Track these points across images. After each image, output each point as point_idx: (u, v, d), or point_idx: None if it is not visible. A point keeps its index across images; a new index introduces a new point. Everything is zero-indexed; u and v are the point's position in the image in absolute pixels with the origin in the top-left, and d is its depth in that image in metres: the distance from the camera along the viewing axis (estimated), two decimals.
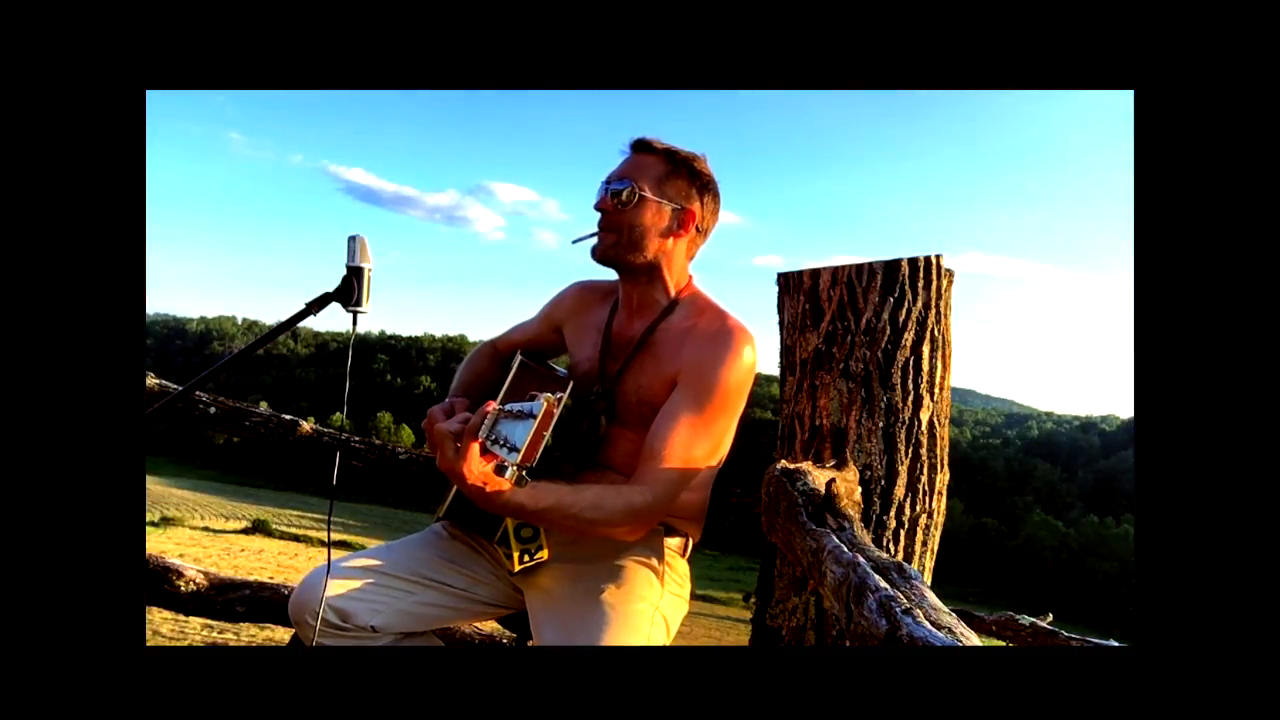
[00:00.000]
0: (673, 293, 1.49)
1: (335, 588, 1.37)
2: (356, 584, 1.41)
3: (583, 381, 1.54)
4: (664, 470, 1.33)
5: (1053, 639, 3.03)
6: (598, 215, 1.47)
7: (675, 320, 1.47)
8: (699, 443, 1.37)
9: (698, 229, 1.49)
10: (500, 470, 1.12)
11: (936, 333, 1.71)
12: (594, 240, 1.47)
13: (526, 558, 1.41)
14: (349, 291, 1.25)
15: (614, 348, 1.51)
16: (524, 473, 1.11)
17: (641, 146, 1.49)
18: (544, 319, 1.68)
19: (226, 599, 2.00)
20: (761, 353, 1.46)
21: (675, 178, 1.46)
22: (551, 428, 1.10)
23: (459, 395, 1.60)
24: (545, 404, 1.07)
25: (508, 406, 1.13)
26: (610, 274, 1.53)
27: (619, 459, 1.46)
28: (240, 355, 1.33)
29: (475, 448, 1.14)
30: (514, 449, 1.10)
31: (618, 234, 1.44)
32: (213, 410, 2.01)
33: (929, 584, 0.93)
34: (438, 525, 1.57)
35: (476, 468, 1.15)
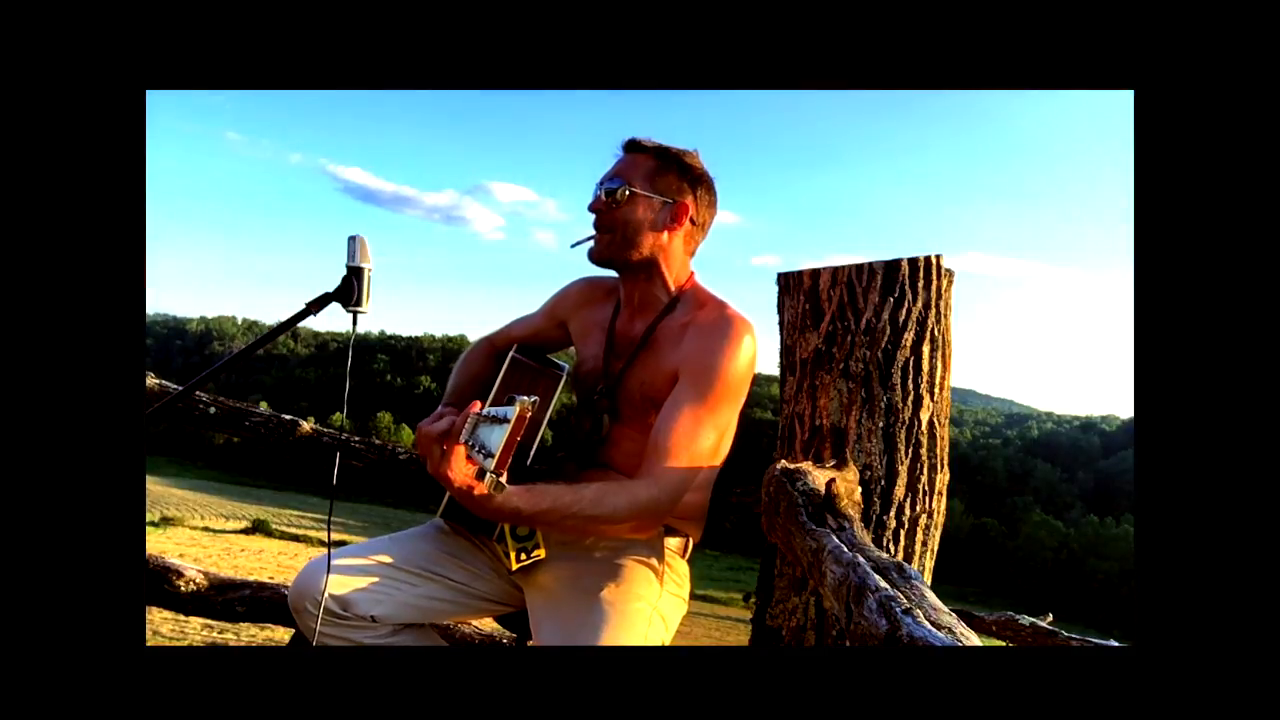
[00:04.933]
0: (673, 289, 1.49)
1: (336, 577, 1.38)
2: (358, 574, 1.41)
3: (587, 380, 1.54)
4: (670, 463, 1.32)
5: (1053, 639, 3.02)
6: (593, 218, 1.47)
7: (676, 316, 1.47)
8: (704, 434, 1.36)
9: (693, 222, 1.49)
10: (480, 475, 1.11)
11: (936, 333, 1.71)
12: (591, 243, 1.47)
13: (523, 555, 1.41)
14: (349, 291, 1.25)
15: (618, 346, 1.52)
16: (500, 479, 1.09)
17: (632, 146, 1.50)
18: (547, 314, 1.67)
19: (226, 599, 2.00)
20: (761, 350, 1.45)
21: (666, 173, 1.46)
22: (527, 430, 1.08)
23: (454, 399, 1.59)
24: (519, 408, 1.05)
25: (487, 411, 1.12)
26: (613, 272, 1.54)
27: (621, 458, 1.46)
28: (240, 355, 1.33)
29: (460, 451, 1.13)
30: (489, 454, 1.09)
31: (612, 232, 1.45)
32: (213, 410, 2.01)
33: (929, 584, 0.93)
34: (439, 520, 1.57)
35: (461, 473, 1.14)
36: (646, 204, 1.44)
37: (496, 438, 1.08)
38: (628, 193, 1.44)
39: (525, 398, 1.07)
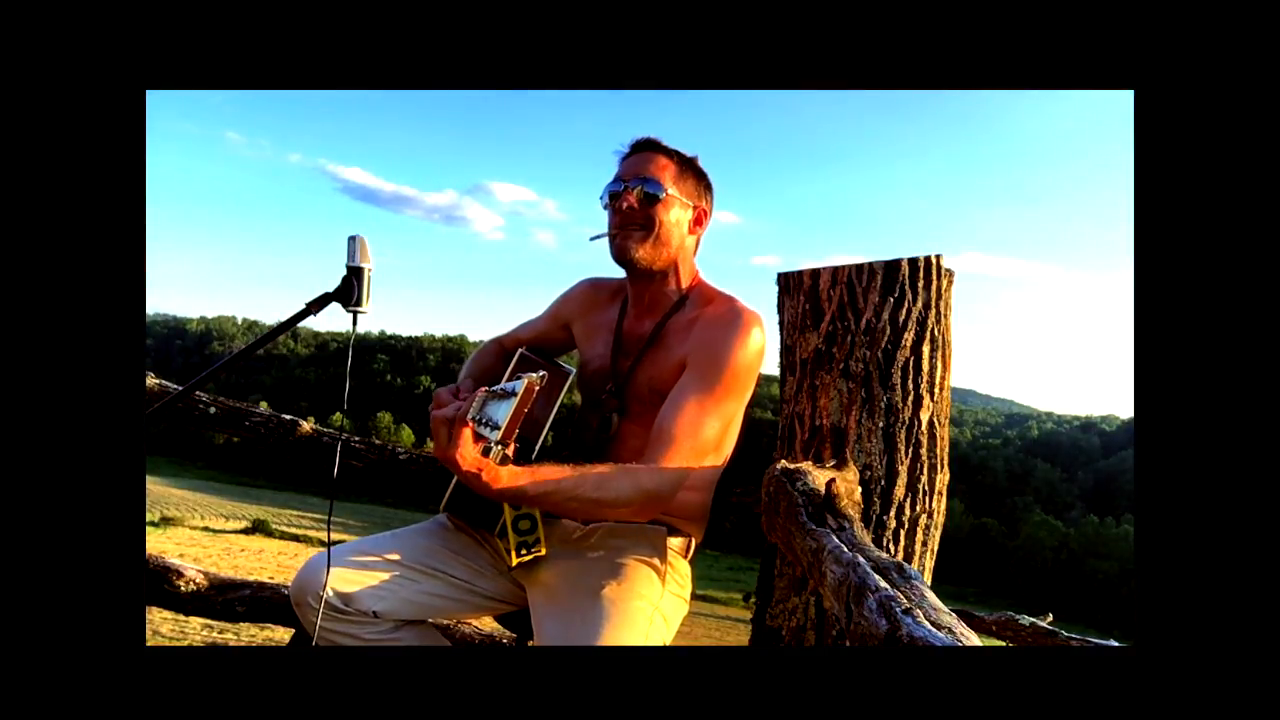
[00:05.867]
0: (683, 288, 1.51)
1: (338, 572, 1.38)
2: (360, 569, 1.42)
3: (595, 379, 1.55)
4: (675, 450, 1.32)
5: (1053, 639, 3.02)
6: (604, 215, 1.49)
7: (685, 312, 1.49)
8: (709, 423, 1.37)
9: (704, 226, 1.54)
10: (486, 451, 1.12)
11: (936, 333, 1.71)
12: (611, 238, 1.47)
13: (524, 550, 1.41)
14: (349, 291, 1.25)
15: (626, 345, 1.53)
16: (505, 450, 1.12)
17: (652, 146, 1.51)
18: (551, 316, 1.69)
19: (226, 599, 2.00)
20: (768, 342, 1.46)
21: (686, 177, 1.50)
22: (532, 427, 1.10)
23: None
24: (526, 382, 1.07)
25: (495, 387, 1.14)
26: (617, 271, 1.54)
27: (630, 455, 1.46)
28: (240, 355, 1.33)
29: (468, 433, 1.14)
30: (495, 427, 1.10)
31: (645, 230, 1.45)
32: (213, 410, 2.01)
33: (929, 584, 0.93)
34: (441, 516, 1.57)
35: (469, 453, 1.15)
36: (679, 206, 1.48)
37: (503, 411, 1.10)
38: (664, 194, 1.46)
39: (533, 374, 1.08)
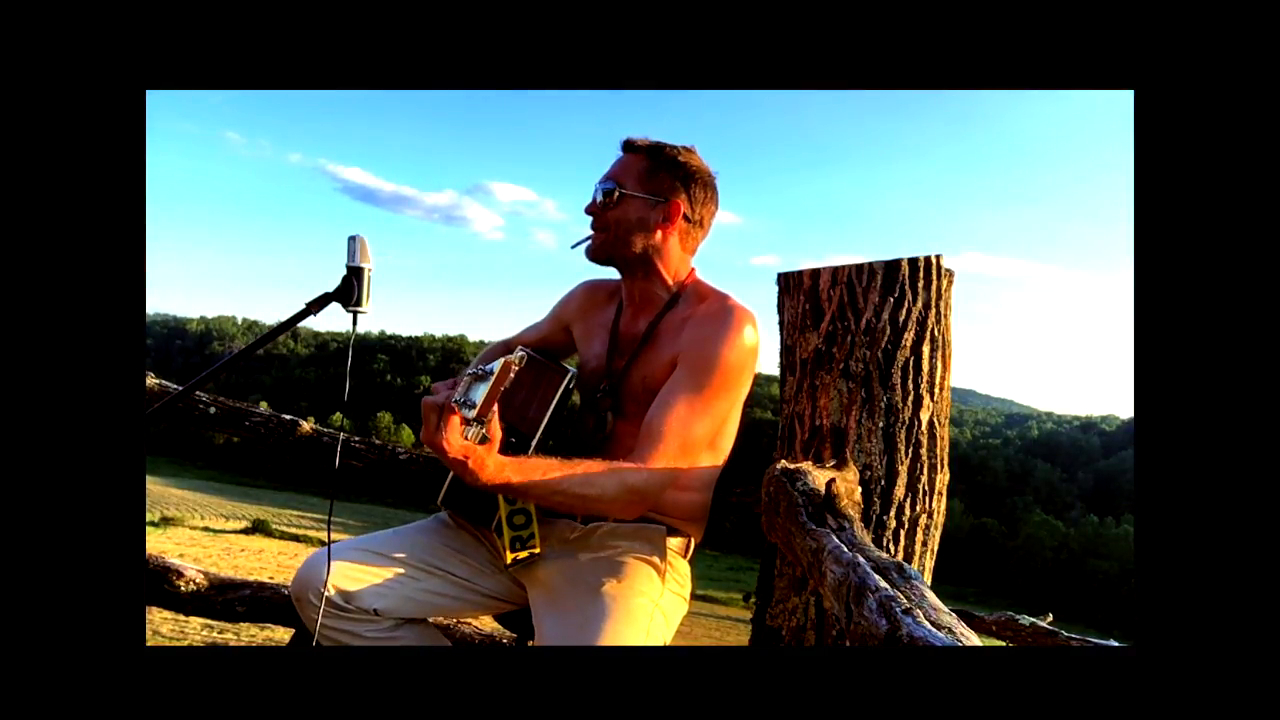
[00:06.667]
0: (672, 286, 1.51)
1: (339, 569, 1.38)
2: (361, 567, 1.42)
3: (591, 379, 1.55)
4: (662, 448, 1.32)
5: (1053, 639, 3.02)
6: (590, 219, 1.50)
7: (678, 311, 1.49)
8: (698, 421, 1.36)
9: (687, 219, 1.50)
10: (466, 432, 1.13)
11: (936, 333, 1.71)
12: (588, 243, 1.50)
13: (518, 546, 1.41)
14: (349, 291, 1.25)
15: (621, 344, 1.53)
16: (481, 429, 1.13)
17: (627, 147, 1.53)
18: (553, 319, 1.70)
19: (226, 599, 2.00)
20: (763, 343, 1.46)
21: (658, 172, 1.48)
22: (528, 426, 1.11)
23: None
24: (503, 361, 1.09)
25: (476, 369, 1.14)
26: (615, 273, 1.55)
27: (626, 455, 1.46)
28: (240, 355, 1.33)
29: (455, 419, 1.14)
30: (473, 406, 1.11)
31: (606, 232, 1.48)
32: (213, 410, 2.01)
33: (929, 584, 0.93)
34: (442, 514, 1.58)
35: (455, 439, 1.15)
36: (639, 204, 1.47)
37: (480, 391, 1.11)
38: (620, 194, 1.47)
39: (511, 355, 1.10)
